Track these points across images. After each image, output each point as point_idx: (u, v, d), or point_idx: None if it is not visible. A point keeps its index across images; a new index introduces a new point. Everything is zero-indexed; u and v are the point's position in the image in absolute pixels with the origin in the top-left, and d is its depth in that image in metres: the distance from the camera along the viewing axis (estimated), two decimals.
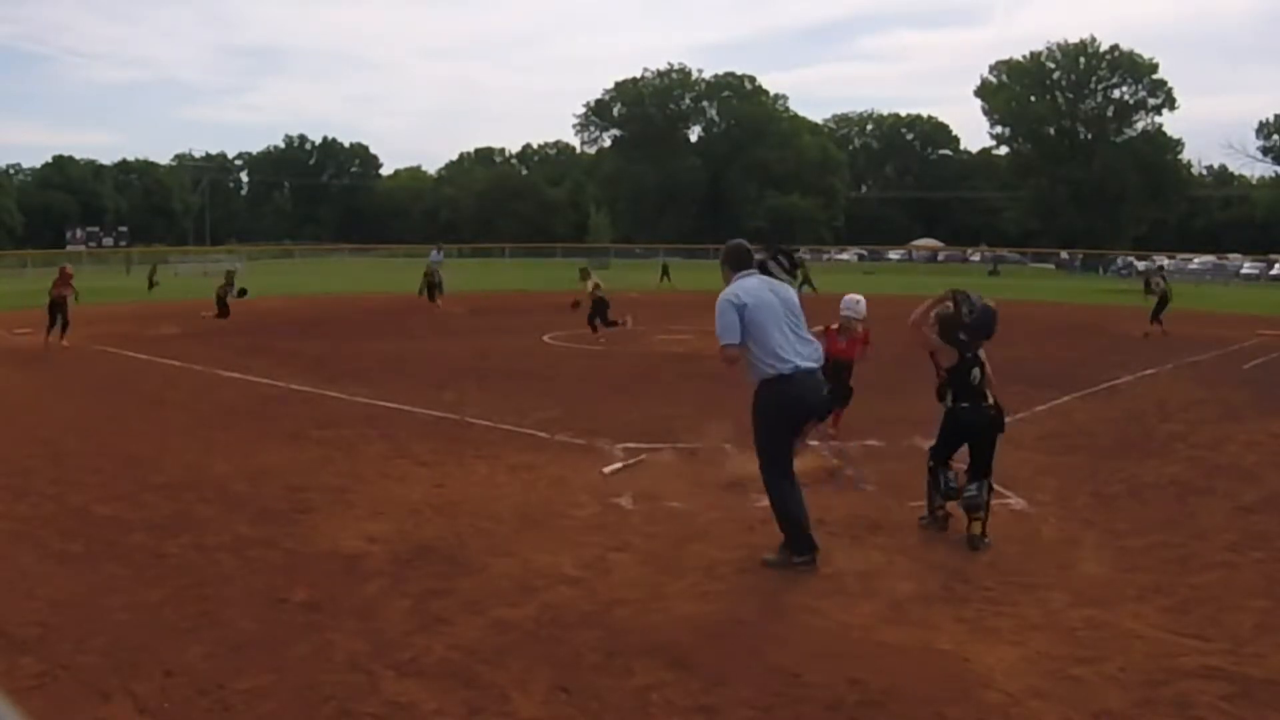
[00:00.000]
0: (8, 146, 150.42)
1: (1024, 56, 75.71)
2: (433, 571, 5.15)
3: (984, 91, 76.97)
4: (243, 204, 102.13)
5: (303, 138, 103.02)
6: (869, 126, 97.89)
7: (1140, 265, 51.06)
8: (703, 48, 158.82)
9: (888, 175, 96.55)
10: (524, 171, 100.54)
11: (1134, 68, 72.80)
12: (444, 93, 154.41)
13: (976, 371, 5.79)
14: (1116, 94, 73.92)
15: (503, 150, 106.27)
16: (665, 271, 37.86)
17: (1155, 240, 67.67)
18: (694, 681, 3.88)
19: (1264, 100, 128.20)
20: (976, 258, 64.46)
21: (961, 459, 5.93)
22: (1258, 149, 73.13)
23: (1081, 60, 73.60)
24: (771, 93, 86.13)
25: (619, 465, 7.52)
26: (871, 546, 5.64)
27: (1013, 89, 75.04)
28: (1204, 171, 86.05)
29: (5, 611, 4.55)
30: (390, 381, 12.04)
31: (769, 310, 5.26)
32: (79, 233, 65.11)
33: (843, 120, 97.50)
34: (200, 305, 23.13)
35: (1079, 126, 74.70)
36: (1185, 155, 75.93)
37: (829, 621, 4.52)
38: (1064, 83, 74.45)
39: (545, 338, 17.34)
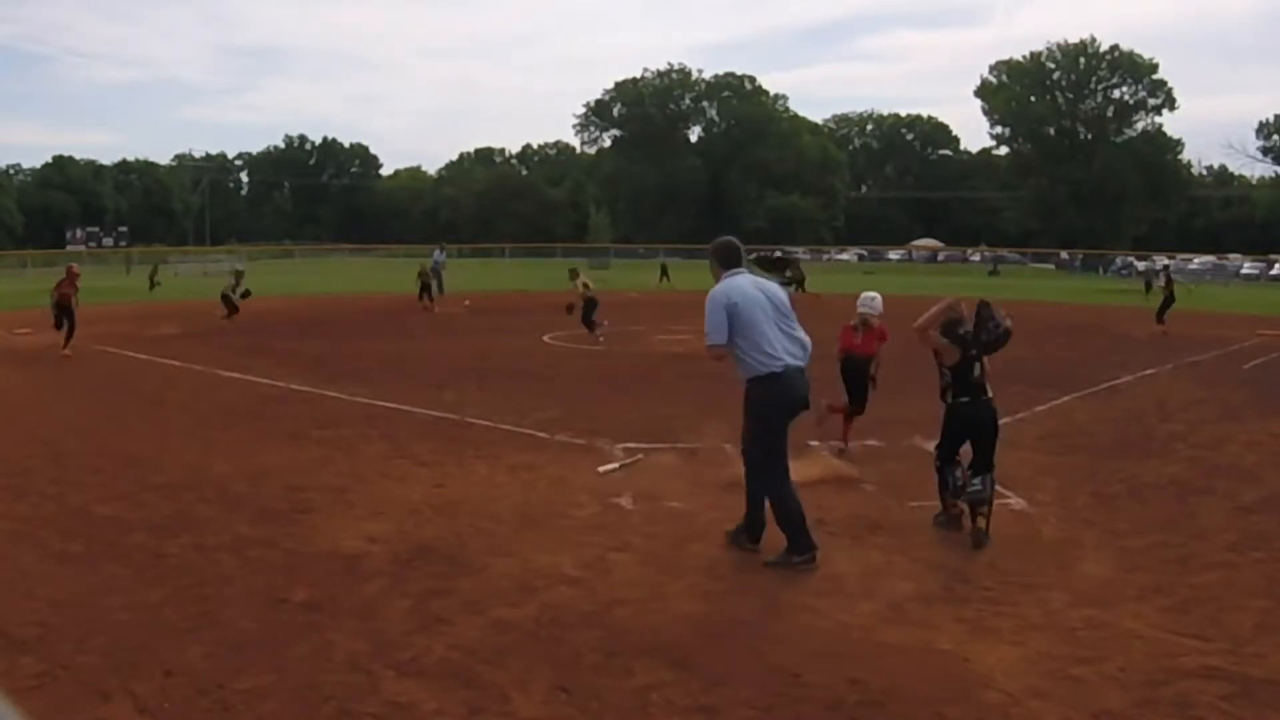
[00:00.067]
0: (8, 146, 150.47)
1: (1024, 56, 75.82)
2: (433, 571, 5.15)
3: (984, 91, 76.99)
4: (243, 204, 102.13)
5: (303, 138, 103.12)
6: (869, 126, 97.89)
7: (1140, 265, 51.07)
8: (703, 48, 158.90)
9: (888, 175, 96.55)
10: (524, 171, 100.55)
11: (1134, 68, 72.81)
12: (444, 93, 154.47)
13: (977, 366, 5.86)
14: (1116, 94, 73.95)
15: (503, 150, 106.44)
16: (664, 271, 37.87)
17: (1155, 240, 67.63)
18: (694, 681, 3.88)
19: (1264, 100, 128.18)
20: (976, 258, 64.46)
21: (963, 455, 5.95)
22: (1258, 149, 73.27)
23: (1081, 60, 73.62)
24: (771, 93, 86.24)
25: (615, 465, 7.52)
26: (871, 546, 5.64)
27: (1013, 89, 75.05)
28: (1204, 171, 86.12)
29: (5, 611, 4.55)
30: (390, 381, 12.04)
31: (758, 308, 5.28)
32: (79, 233, 65.14)
33: (843, 120, 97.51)
34: (200, 306, 23.14)
35: (1079, 126, 74.71)
36: (1185, 155, 76.13)
37: (829, 621, 4.52)
38: (1064, 83, 74.45)
39: (545, 338, 17.35)
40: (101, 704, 3.68)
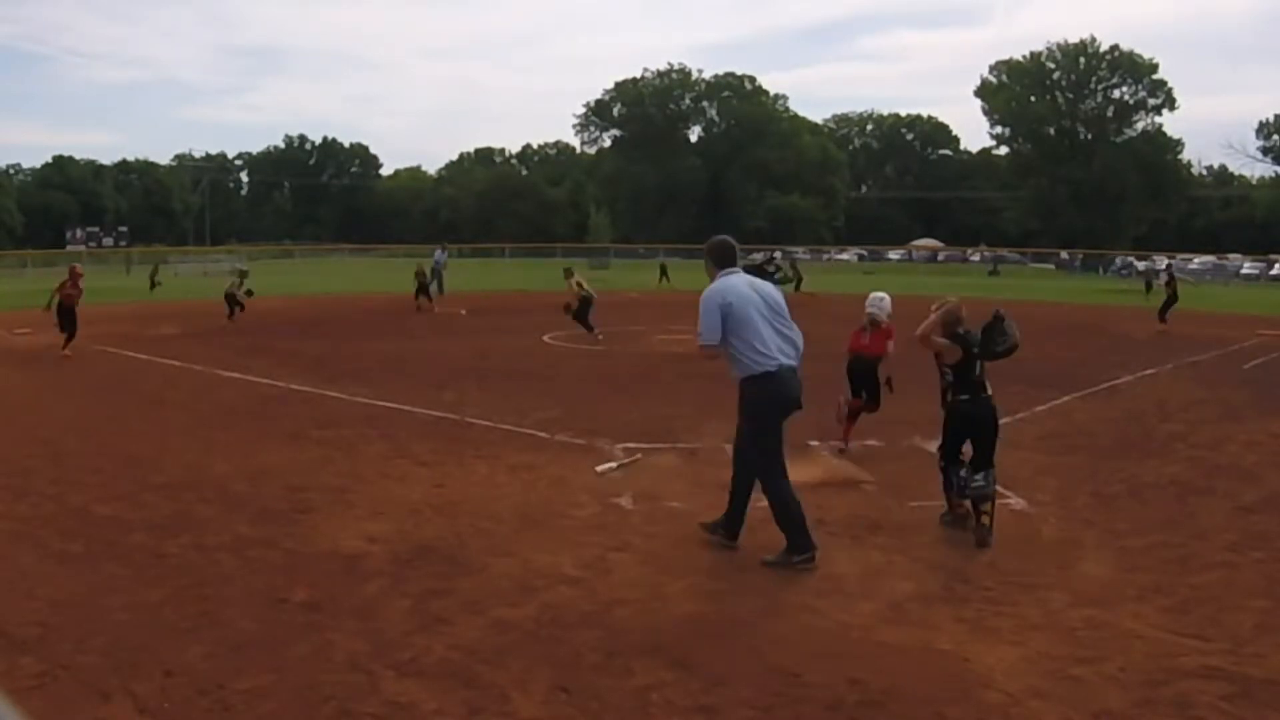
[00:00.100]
0: (8, 146, 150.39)
1: (1024, 56, 75.77)
2: (433, 571, 5.15)
3: (984, 91, 76.98)
4: (243, 204, 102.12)
5: (303, 138, 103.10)
6: (869, 126, 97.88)
7: (1140, 265, 51.06)
8: (703, 48, 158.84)
9: (888, 175, 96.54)
10: (524, 171, 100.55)
11: (1134, 68, 72.80)
12: (444, 93, 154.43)
13: (977, 365, 5.91)
14: (1116, 94, 73.92)
15: (503, 150, 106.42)
16: (664, 271, 37.86)
17: (1155, 240, 67.62)
18: (694, 681, 3.89)
19: (1264, 100, 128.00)
20: (976, 258, 64.43)
21: (965, 454, 5.96)
22: (1258, 149, 73.22)
23: (1081, 60, 73.59)
24: (771, 93, 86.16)
25: (612, 465, 7.52)
26: (871, 546, 5.64)
27: (1013, 89, 75.03)
28: (1204, 171, 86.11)
29: (5, 611, 4.55)
30: (390, 381, 12.04)
31: (752, 308, 5.30)
32: (79, 233, 65.05)
33: (843, 120, 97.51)
34: (201, 306, 23.13)
35: (1079, 126, 74.69)
36: (1185, 155, 76.07)
37: (829, 621, 4.52)
38: (1064, 83, 74.43)
39: (545, 338, 17.34)
40: (101, 704, 3.68)
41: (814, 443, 8.15)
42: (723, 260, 5.53)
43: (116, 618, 4.50)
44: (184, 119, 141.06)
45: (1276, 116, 72.30)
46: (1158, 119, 73.46)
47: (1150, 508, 6.62)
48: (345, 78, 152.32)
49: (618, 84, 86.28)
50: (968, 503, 5.89)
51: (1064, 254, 63.78)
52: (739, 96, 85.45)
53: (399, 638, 4.30)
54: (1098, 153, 72.47)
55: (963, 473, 5.88)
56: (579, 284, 17.56)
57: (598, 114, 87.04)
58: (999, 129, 77.96)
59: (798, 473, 5.69)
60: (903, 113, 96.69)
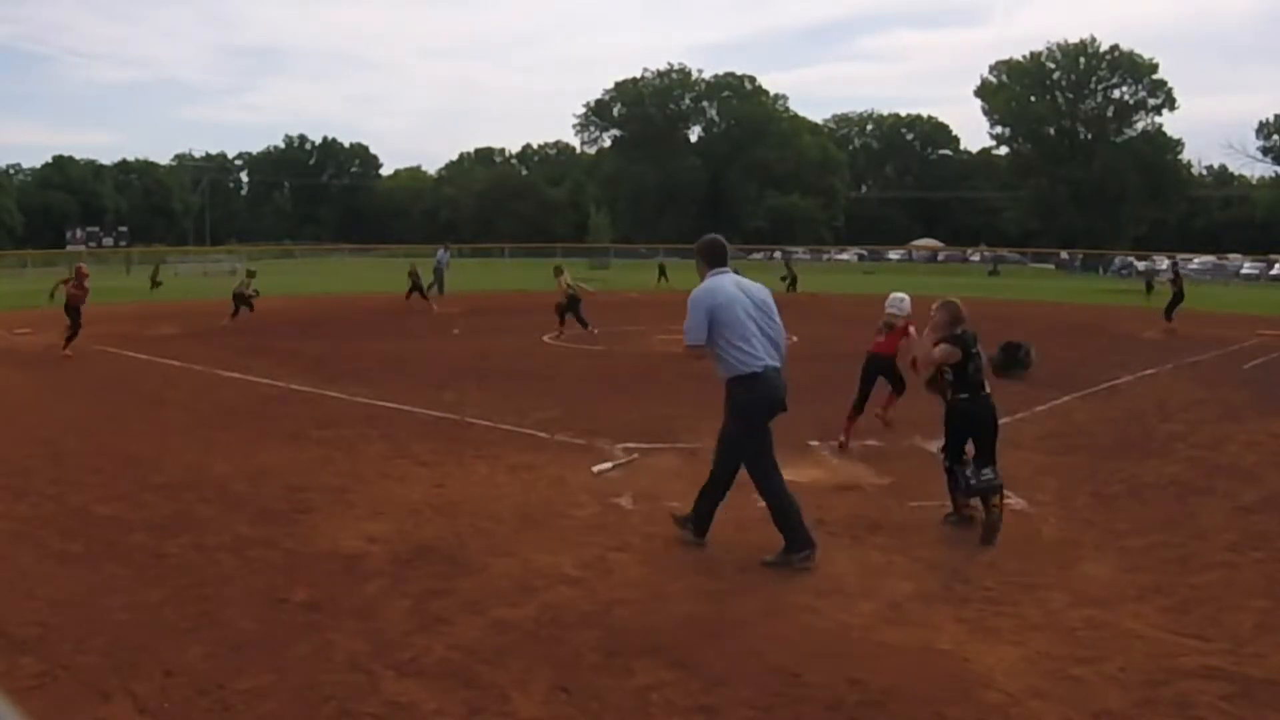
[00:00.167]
0: (8, 146, 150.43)
1: (1024, 56, 75.83)
2: (433, 571, 5.15)
3: (984, 91, 77.00)
4: (243, 204, 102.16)
5: (303, 138, 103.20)
6: (869, 126, 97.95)
7: (1140, 265, 51.06)
8: (703, 48, 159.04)
9: (888, 175, 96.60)
10: (524, 171, 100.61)
11: (1134, 68, 72.81)
12: (444, 93, 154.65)
13: (976, 364, 5.91)
14: (1116, 94, 73.95)
15: (503, 150, 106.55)
16: (663, 271, 37.86)
17: (1155, 240, 67.64)
18: (694, 681, 3.88)
19: (1264, 100, 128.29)
20: (976, 258, 64.47)
21: (966, 454, 5.97)
22: (1258, 149, 73.24)
23: (1081, 60, 73.61)
24: (771, 93, 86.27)
25: (608, 465, 7.52)
26: (871, 546, 5.64)
27: (1013, 89, 75.05)
28: (1204, 171, 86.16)
29: (5, 611, 4.55)
30: (390, 381, 12.04)
31: (740, 308, 5.30)
32: (79, 233, 64.96)
33: (843, 120, 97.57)
34: (201, 306, 23.13)
35: (1079, 126, 74.71)
36: (1185, 155, 76.11)
37: (829, 621, 4.52)
38: (1064, 83, 74.45)
39: (545, 338, 17.34)
40: (101, 704, 3.68)
41: (814, 443, 8.15)
42: (714, 259, 5.52)
43: (116, 618, 4.49)
44: (184, 119, 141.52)
45: (1276, 116, 72.41)
46: (1158, 119, 73.63)
47: (1150, 508, 6.61)
48: (345, 78, 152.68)
49: (618, 84, 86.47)
50: (975, 502, 5.90)
51: (1064, 254, 63.80)
52: (739, 96, 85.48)
53: (399, 638, 4.29)
54: (1098, 153, 72.50)
55: (968, 471, 5.88)
56: (568, 283, 17.60)
57: (598, 114, 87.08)
58: (999, 129, 78.10)
59: (805, 474, 5.68)
60: (903, 113, 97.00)
